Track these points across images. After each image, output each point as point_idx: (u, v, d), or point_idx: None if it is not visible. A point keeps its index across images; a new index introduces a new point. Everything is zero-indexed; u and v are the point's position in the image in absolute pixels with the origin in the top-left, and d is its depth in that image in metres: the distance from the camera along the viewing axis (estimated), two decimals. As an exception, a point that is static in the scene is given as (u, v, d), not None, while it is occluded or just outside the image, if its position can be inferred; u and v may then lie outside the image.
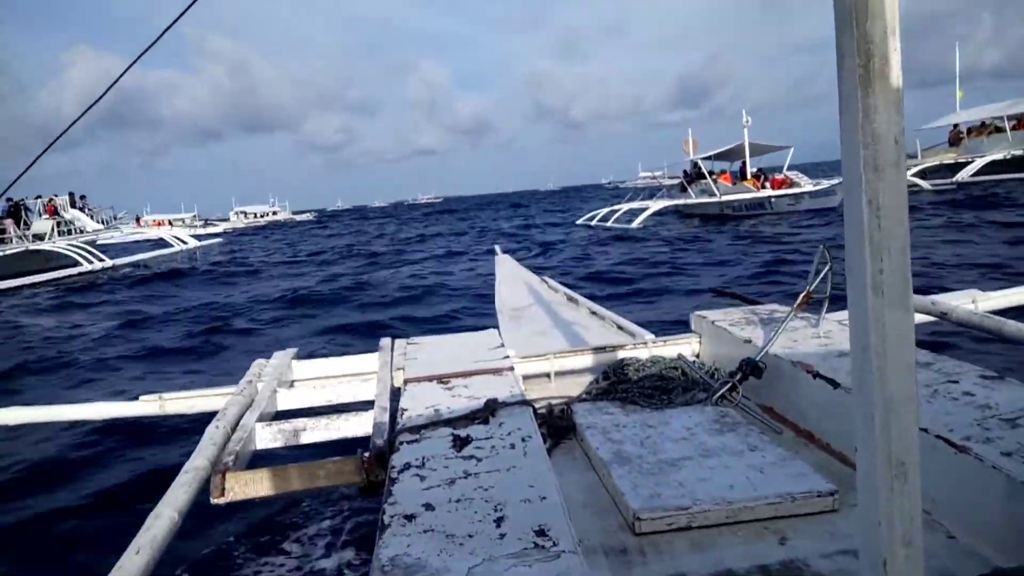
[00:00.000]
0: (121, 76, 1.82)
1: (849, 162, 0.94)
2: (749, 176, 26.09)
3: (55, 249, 22.24)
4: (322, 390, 2.80)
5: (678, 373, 2.70)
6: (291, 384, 3.01)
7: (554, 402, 2.62)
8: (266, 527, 3.30)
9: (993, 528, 1.51)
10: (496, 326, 3.83)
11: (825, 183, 25.20)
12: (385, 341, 3.16)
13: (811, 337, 2.67)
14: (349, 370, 3.11)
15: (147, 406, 2.82)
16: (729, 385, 2.47)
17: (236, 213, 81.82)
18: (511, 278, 5.91)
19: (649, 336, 3.37)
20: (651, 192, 32.60)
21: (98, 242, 24.24)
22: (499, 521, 1.41)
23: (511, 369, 2.59)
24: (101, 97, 1.86)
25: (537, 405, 2.37)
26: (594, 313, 4.41)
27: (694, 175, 28.61)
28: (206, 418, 2.31)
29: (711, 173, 26.85)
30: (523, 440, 1.86)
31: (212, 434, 2.12)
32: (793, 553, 1.61)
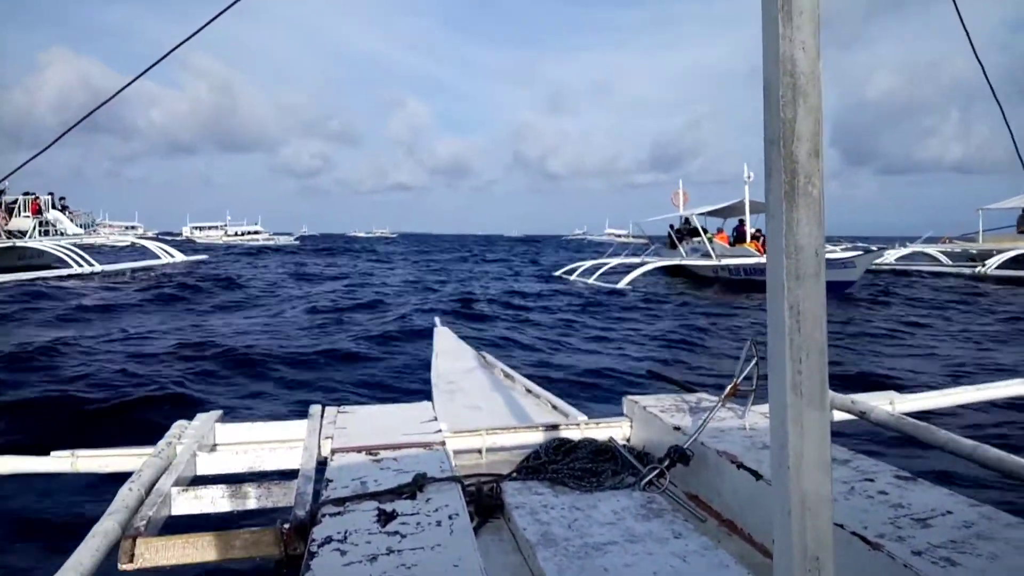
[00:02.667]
0: (124, 88, 1.84)
1: (774, 269, 1.01)
2: (749, 238, 23.31)
3: (45, 248, 21.69)
4: (244, 456, 2.72)
5: (608, 456, 2.72)
6: (213, 448, 2.91)
7: (484, 479, 2.61)
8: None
9: None
10: (430, 398, 3.81)
11: (839, 252, 22.38)
12: (315, 408, 3.10)
13: (737, 428, 2.74)
14: (275, 436, 3.03)
15: (58, 462, 2.68)
16: (657, 471, 2.51)
17: (191, 228, 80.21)
18: (448, 351, 5.90)
19: (582, 417, 3.40)
20: (631, 249, 30.09)
21: (82, 244, 23.53)
22: None
23: (442, 444, 2.58)
24: (100, 107, 1.88)
25: (467, 481, 2.35)
26: (529, 391, 4.43)
27: (685, 231, 26.29)
28: (120, 479, 2.22)
29: (705, 231, 24.44)
30: (450, 518, 1.84)
31: (125, 496, 2.03)
32: None
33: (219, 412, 3.14)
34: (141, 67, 1.82)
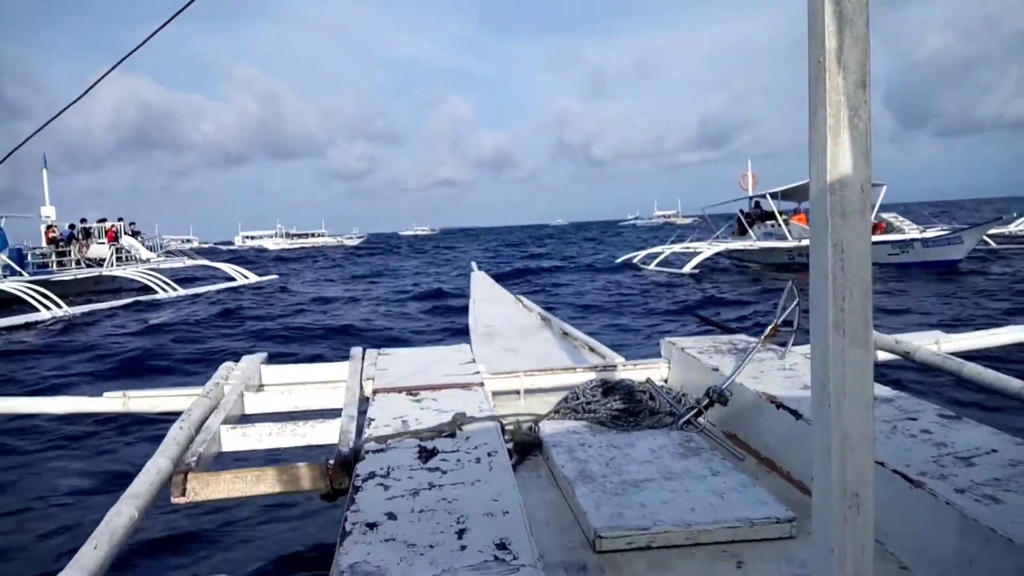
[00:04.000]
0: (105, 75, 1.83)
1: (817, 207, 0.98)
2: None
3: (131, 276, 22.36)
4: (290, 396, 2.79)
5: (646, 396, 2.73)
6: (259, 388, 2.99)
7: (522, 419, 2.64)
8: (226, 529, 3.27)
9: (943, 561, 1.55)
10: (468, 342, 3.85)
11: (936, 228, 20.72)
12: (356, 350, 3.16)
13: (776, 369, 2.72)
14: (318, 377, 3.10)
15: (111, 403, 2.79)
16: (695, 411, 2.51)
17: (243, 238, 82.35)
18: (486, 295, 5.93)
19: (619, 359, 3.41)
20: (697, 233, 27.44)
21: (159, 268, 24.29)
22: (461, 533, 1.42)
23: (481, 385, 2.61)
24: (82, 96, 1.88)
25: (505, 421, 2.39)
26: (566, 334, 4.44)
27: (755, 215, 23.94)
28: (171, 419, 2.30)
29: (781, 213, 22.10)
30: (489, 455, 1.88)
31: (175, 434, 2.11)
32: None
33: (264, 355, 3.22)
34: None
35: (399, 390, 2.53)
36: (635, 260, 24.42)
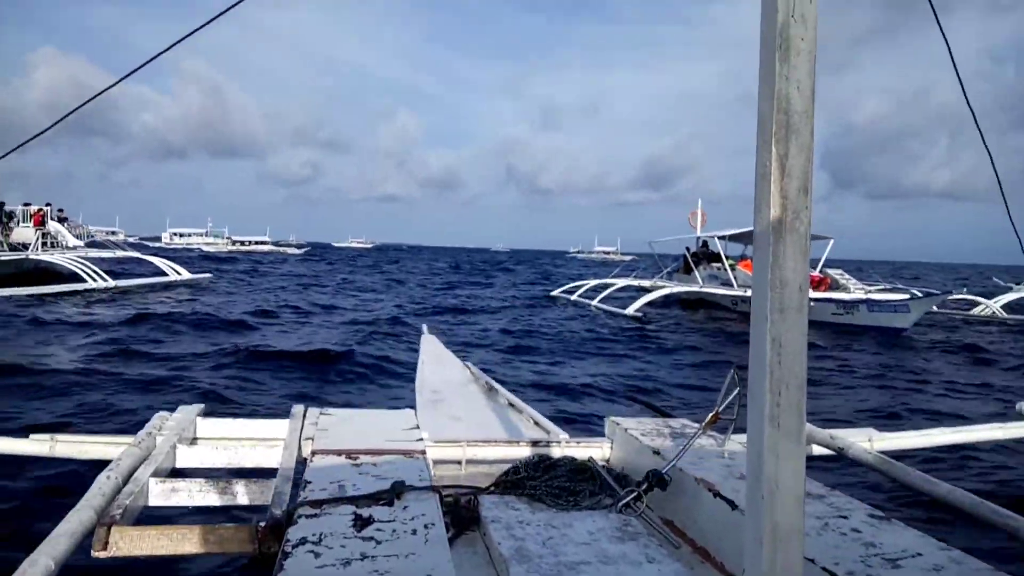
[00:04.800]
0: (111, 87, 1.85)
1: (758, 302, 1.03)
2: None
3: (60, 263, 21.10)
4: (224, 451, 2.72)
5: (587, 476, 2.73)
6: (193, 441, 2.91)
7: (462, 491, 2.61)
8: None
9: None
10: (414, 406, 3.81)
11: (882, 291, 19.36)
12: (297, 408, 3.10)
13: (716, 456, 2.75)
14: (256, 434, 3.03)
15: (37, 445, 2.68)
16: (635, 495, 2.52)
17: (171, 235, 79.73)
18: (434, 359, 5.90)
19: (564, 435, 3.41)
20: (640, 270, 26.60)
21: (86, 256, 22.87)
22: None
23: (423, 452, 2.58)
24: (82, 106, 1.90)
25: (445, 492, 2.36)
26: (512, 405, 4.44)
27: (702, 255, 23.48)
28: (98, 467, 2.21)
29: (727, 257, 21.76)
30: (426, 527, 1.85)
31: (102, 484, 2.03)
32: None
33: (201, 406, 3.14)
34: (130, 67, 1.84)
35: (338, 452, 2.49)
36: (575, 295, 23.23)
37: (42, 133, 2.06)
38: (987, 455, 6.30)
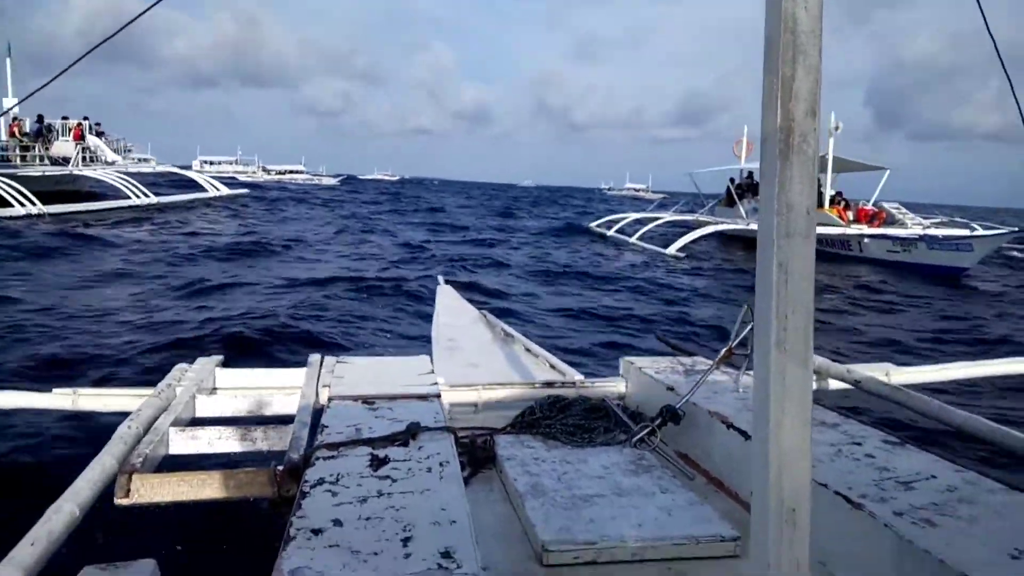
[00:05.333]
0: (144, 13, 1.84)
1: (764, 227, 1.01)
2: (828, 202, 18.49)
3: (103, 178, 21.09)
4: (243, 400, 2.76)
5: (602, 414, 2.75)
6: (212, 391, 2.95)
7: (477, 432, 2.64)
8: (169, 532, 3.19)
9: None
10: (430, 354, 3.84)
11: (943, 226, 17.52)
12: (314, 357, 3.13)
13: (729, 390, 2.76)
14: (274, 383, 3.07)
15: (59, 399, 2.73)
16: (649, 429, 2.53)
17: (201, 162, 79.68)
18: (450, 309, 5.93)
19: (578, 376, 3.43)
20: (682, 204, 24.55)
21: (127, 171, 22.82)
22: (406, 541, 1.42)
23: (438, 396, 2.61)
24: (115, 35, 1.88)
25: (460, 434, 2.38)
26: (528, 350, 4.46)
27: (746, 186, 21.73)
28: (121, 418, 2.25)
29: None
30: (441, 465, 1.87)
31: (123, 433, 2.07)
32: None
33: (220, 357, 3.17)
34: None
35: (355, 398, 2.52)
36: (611, 230, 21.34)
37: (78, 61, 2.03)
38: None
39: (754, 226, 21.29)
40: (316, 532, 1.45)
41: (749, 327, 2.69)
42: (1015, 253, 20.11)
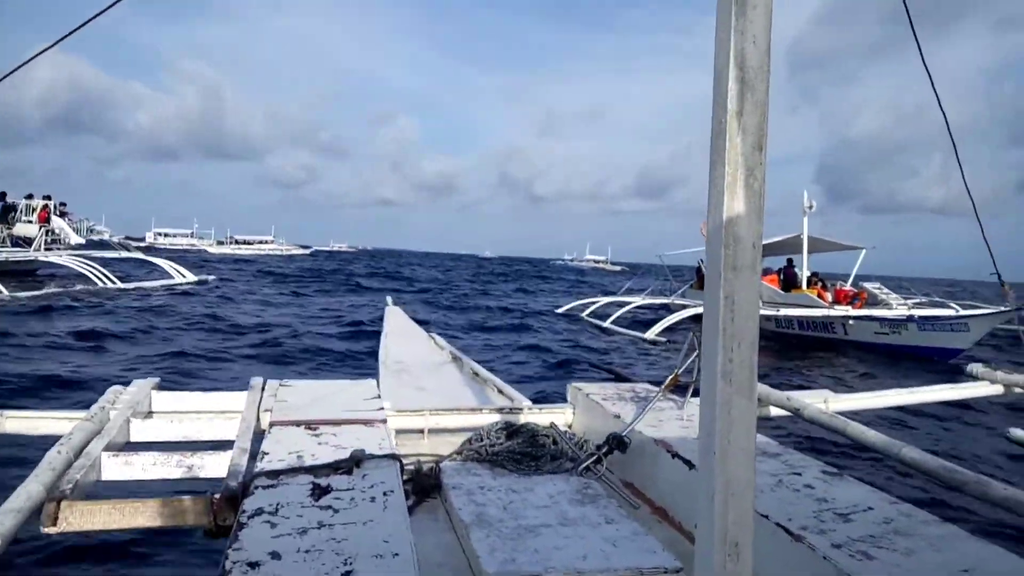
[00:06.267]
0: (44, 51, 1.78)
1: (712, 260, 1.03)
2: (806, 283, 17.60)
3: (68, 264, 20.95)
4: (180, 425, 2.67)
5: (549, 441, 2.74)
6: (148, 415, 2.85)
7: (424, 459, 2.60)
8: (99, 563, 3.06)
9: None
10: (376, 377, 3.79)
11: (921, 306, 16.73)
12: (256, 380, 3.05)
13: (674, 419, 2.79)
14: (213, 407, 2.98)
15: None
16: (595, 457, 2.54)
17: (155, 234, 77.13)
18: (398, 330, 5.88)
19: (526, 402, 3.42)
20: (654, 287, 23.28)
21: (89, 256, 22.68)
22: (347, 575, 1.38)
23: (383, 422, 2.57)
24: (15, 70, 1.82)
25: (406, 461, 2.35)
26: (477, 374, 4.44)
27: None
28: (51, 442, 2.16)
29: None
30: (385, 495, 1.84)
31: (52, 459, 1.98)
32: None
33: (156, 379, 3.07)
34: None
35: (297, 423, 2.46)
36: (584, 313, 20.55)
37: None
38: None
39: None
40: (252, 565, 1.40)
41: (694, 355, 2.73)
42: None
